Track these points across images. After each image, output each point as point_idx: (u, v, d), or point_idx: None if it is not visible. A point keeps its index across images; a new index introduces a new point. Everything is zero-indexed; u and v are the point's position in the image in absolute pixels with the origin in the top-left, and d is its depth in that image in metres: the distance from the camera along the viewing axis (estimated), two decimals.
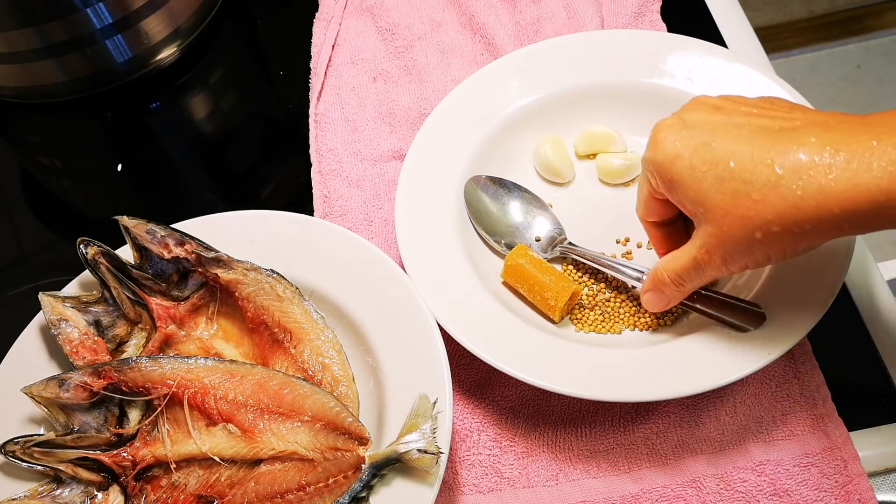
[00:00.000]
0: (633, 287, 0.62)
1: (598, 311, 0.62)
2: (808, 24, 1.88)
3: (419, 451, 0.52)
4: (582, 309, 0.63)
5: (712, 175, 0.47)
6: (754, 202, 0.46)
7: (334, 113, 0.78)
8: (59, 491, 0.56)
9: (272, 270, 0.61)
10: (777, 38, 1.86)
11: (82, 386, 0.57)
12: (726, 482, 0.57)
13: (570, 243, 0.64)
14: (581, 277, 0.64)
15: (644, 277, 0.59)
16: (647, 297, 0.57)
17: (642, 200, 0.55)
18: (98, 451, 0.57)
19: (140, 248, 0.61)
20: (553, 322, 0.62)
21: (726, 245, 0.49)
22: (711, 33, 0.79)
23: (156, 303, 0.62)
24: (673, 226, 0.57)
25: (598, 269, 0.65)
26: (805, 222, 0.45)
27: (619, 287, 0.63)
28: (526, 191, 0.67)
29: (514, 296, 0.63)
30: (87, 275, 0.63)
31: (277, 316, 0.60)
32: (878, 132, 0.43)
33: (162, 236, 0.61)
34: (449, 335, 0.58)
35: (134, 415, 0.58)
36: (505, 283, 0.64)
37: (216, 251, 0.61)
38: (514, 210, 0.66)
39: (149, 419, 0.57)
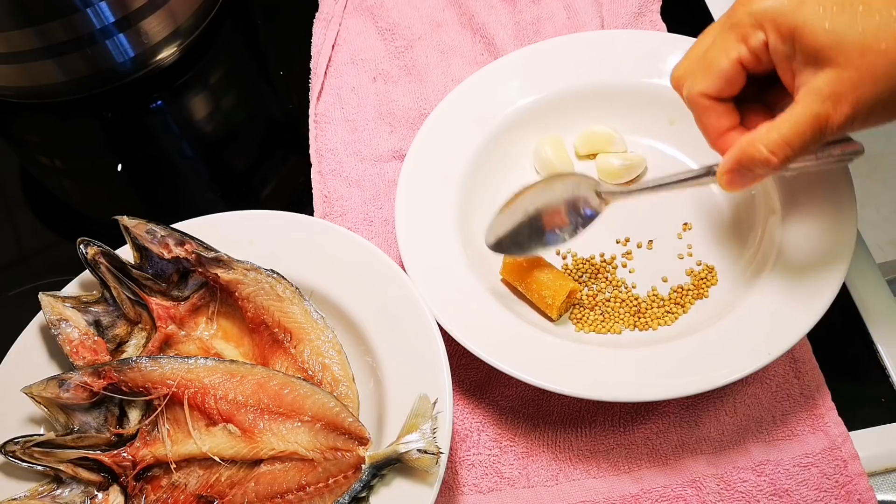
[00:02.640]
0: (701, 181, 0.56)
1: (599, 311, 0.62)
2: None
3: (419, 451, 0.52)
4: (582, 309, 0.63)
5: (848, 13, 0.44)
6: (893, 30, 0.43)
7: (334, 113, 0.78)
8: (59, 491, 0.56)
9: (272, 270, 0.61)
10: None
11: (82, 386, 0.57)
12: (726, 482, 0.57)
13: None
14: (581, 277, 0.64)
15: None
16: (729, 177, 0.50)
17: (721, 70, 0.49)
18: (98, 451, 0.57)
19: (140, 248, 0.61)
20: (551, 320, 0.62)
21: (862, 88, 0.45)
22: None
23: (156, 303, 0.62)
24: (727, 105, 0.51)
25: (600, 269, 0.65)
26: None
27: (619, 287, 0.64)
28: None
29: (513, 295, 0.63)
30: (87, 275, 0.63)
31: (277, 316, 0.60)
32: None
33: (162, 236, 0.61)
34: (449, 335, 0.58)
35: (134, 415, 0.58)
36: (504, 281, 0.64)
37: (216, 251, 0.61)
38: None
39: (149, 419, 0.57)
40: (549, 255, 0.64)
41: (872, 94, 0.45)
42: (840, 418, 0.58)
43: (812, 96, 0.46)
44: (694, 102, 0.51)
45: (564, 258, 0.66)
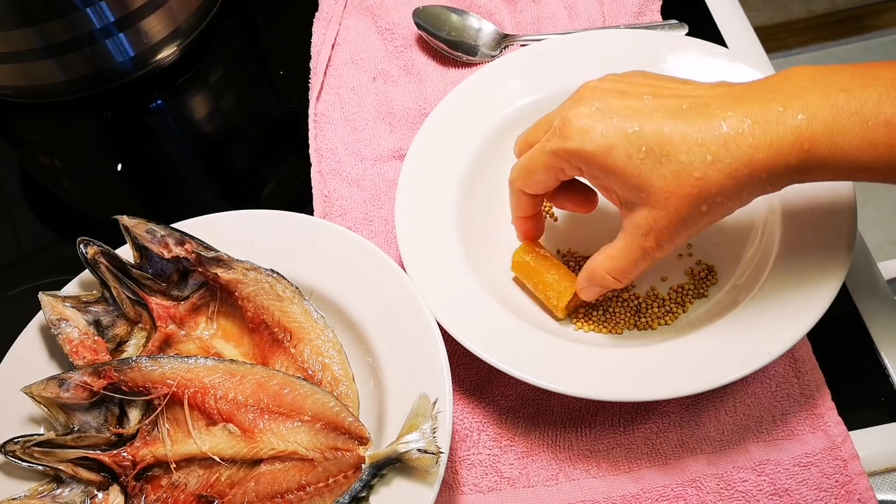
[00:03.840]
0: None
1: (601, 312, 0.62)
2: (808, 24, 1.88)
3: (419, 450, 0.52)
4: (585, 308, 0.63)
5: (650, 161, 0.49)
6: (696, 180, 0.48)
7: (334, 112, 0.78)
8: (59, 491, 0.56)
9: (272, 270, 0.61)
10: (777, 38, 1.86)
11: (82, 386, 0.57)
12: (726, 482, 0.57)
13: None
14: None
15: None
16: (587, 290, 0.58)
17: (539, 179, 0.55)
18: (98, 451, 0.57)
19: (140, 248, 0.61)
20: (557, 319, 0.62)
21: (672, 224, 0.50)
22: (711, 33, 0.79)
23: (156, 302, 0.62)
24: (537, 198, 0.59)
25: None
26: (742, 189, 0.48)
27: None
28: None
29: (513, 295, 0.63)
30: (86, 274, 0.63)
31: (277, 315, 0.60)
32: (783, 99, 0.47)
33: (162, 236, 0.61)
34: (449, 335, 0.58)
35: (134, 414, 0.58)
36: (515, 279, 0.64)
37: (216, 251, 0.61)
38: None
39: (149, 419, 0.57)
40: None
41: (684, 227, 0.51)
42: (840, 418, 0.58)
43: (633, 231, 0.52)
44: (512, 192, 0.59)
45: (565, 256, 0.66)
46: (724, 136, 0.47)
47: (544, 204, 0.68)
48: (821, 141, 0.46)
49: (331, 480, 0.54)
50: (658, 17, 0.80)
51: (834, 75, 0.48)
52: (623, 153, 0.49)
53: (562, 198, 0.61)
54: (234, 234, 0.64)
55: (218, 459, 0.55)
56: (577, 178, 0.59)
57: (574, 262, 0.65)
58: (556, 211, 0.68)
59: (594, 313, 0.62)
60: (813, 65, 0.49)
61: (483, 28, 0.80)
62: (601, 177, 0.52)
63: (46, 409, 0.57)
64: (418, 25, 0.80)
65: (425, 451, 0.52)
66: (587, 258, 0.65)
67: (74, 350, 0.59)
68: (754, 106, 0.47)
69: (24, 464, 0.56)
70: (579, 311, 0.63)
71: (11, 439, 0.56)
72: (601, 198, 0.68)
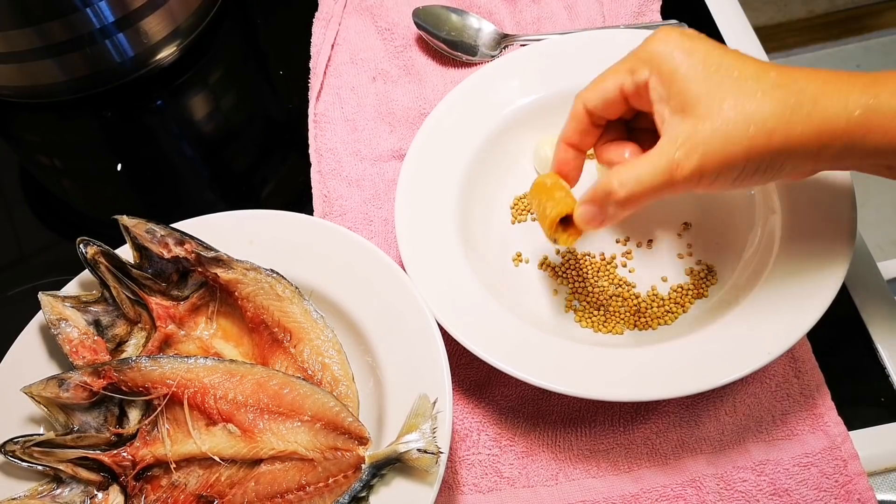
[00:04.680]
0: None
1: (601, 312, 0.62)
2: (807, 24, 1.88)
3: (419, 450, 0.52)
4: (587, 307, 0.63)
5: (722, 72, 0.48)
6: (758, 97, 0.47)
7: (334, 112, 0.78)
8: (59, 490, 0.56)
9: (272, 270, 0.61)
10: (777, 38, 1.86)
11: (82, 386, 0.57)
12: (726, 482, 0.57)
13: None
14: (582, 274, 0.64)
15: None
16: (583, 210, 0.53)
17: (604, 88, 0.53)
18: (98, 451, 0.57)
19: (140, 248, 0.61)
20: (548, 237, 0.57)
21: (713, 144, 0.47)
22: (711, 33, 0.79)
23: (155, 302, 0.62)
24: (595, 128, 0.55)
25: (601, 268, 0.65)
26: (797, 139, 0.47)
27: (620, 286, 0.64)
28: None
29: (513, 295, 0.63)
30: (86, 274, 0.63)
31: (277, 315, 0.60)
32: (887, 80, 0.46)
33: (162, 236, 0.61)
34: (449, 335, 0.58)
35: (134, 414, 0.58)
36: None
37: (216, 251, 0.61)
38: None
39: (149, 419, 0.57)
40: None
41: (722, 153, 0.47)
42: (840, 418, 0.58)
43: (669, 144, 0.48)
44: (574, 106, 0.55)
45: (564, 256, 0.66)
46: (793, 81, 0.47)
47: None
48: (879, 125, 0.46)
49: (331, 480, 0.54)
50: (658, 17, 0.80)
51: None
52: (700, 59, 0.49)
53: (606, 149, 0.56)
54: (233, 234, 0.64)
55: (218, 459, 0.55)
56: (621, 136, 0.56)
57: (574, 261, 0.65)
58: None
59: (594, 313, 0.63)
60: (832, 69, 0.49)
61: (483, 28, 0.80)
62: (666, 82, 0.49)
63: (46, 409, 0.57)
64: (418, 25, 0.80)
65: (425, 451, 0.52)
66: (585, 256, 0.65)
67: (74, 350, 0.59)
68: (825, 86, 0.47)
69: (23, 464, 0.56)
70: (583, 309, 0.63)
71: (11, 439, 0.56)
72: None
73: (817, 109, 0.47)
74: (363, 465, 0.53)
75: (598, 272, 0.64)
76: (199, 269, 0.62)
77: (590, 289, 0.64)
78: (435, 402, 0.54)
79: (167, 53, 0.82)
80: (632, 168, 0.50)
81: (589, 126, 0.55)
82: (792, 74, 0.48)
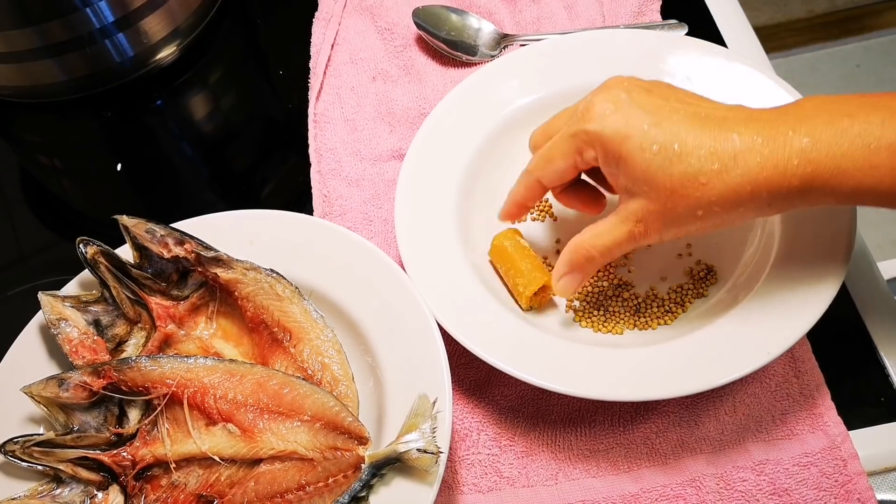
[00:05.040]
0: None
1: (601, 311, 0.62)
2: (807, 24, 1.88)
3: (419, 450, 0.52)
4: (587, 307, 0.63)
5: (661, 157, 0.50)
6: (701, 185, 0.50)
7: (334, 112, 0.78)
8: (58, 490, 0.56)
9: (272, 270, 0.61)
10: (777, 38, 1.86)
11: (82, 385, 0.57)
12: (726, 481, 0.57)
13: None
14: None
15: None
16: (566, 280, 0.58)
17: (556, 168, 0.56)
18: (98, 451, 0.57)
19: (140, 248, 0.61)
20: (523, 309, 0.62)
21: (666, 220, 0.52)
22: (711, 33, 0.79)
23: (155, 302, 0.62)
24: (543, 189, 0.59)
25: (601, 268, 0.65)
26: (741, 204, 0.50)
27: (621, 286, 0.64)
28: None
29: (512, 294, 0.63)
30: (86, 274, 0.63)
31: (277, 315, 0.60)
32: (793, 123, 0.49)
33: (161, 235, 0.61)
34: (449, 335, 0.58)
35: (134, 414, 0.58)
36: (490, 262, 0.64)
37: (216, 250, 0.61)
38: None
39: (148, 419, 0.57)
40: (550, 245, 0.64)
41: (675, 225, 0.52)
42: (839, 417, 0.58)
43: (626, 215, 0.53)
44: (526, 180, 0.59)
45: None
46: (735, 150, 0.49)
47: (545, 202, 0.68)
48: (823, 163, 0.47)
49: (330, 480, 0.54)
50: (658, 17, 0.80)
51: (841, 103, 0.49)
52: (637, 145, 0.51)
53: (573, 197, 0.61)
54: (233, 233, 0.64)
55: (218, 459, 0.55)
56: (586, 179, 0.61)
57: None
58: (557, 211, 0.68)
59: (594, 313, 0.63)
60: (823, 95, 0.51)
61: (483, 28, 0.80)
62: (612, 163, 0.53)
63: (46, 409, 0.57)
64: (418, 25, 0.80)
65: (425, 451, 0.52)
66: None
67: (74, 350, 0.59)
68: (766, 127, 0.49)
69: (23, 464, 0.56)
70: (583, 309, 0.63)
71: (11, 439, 0.56)
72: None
73: (745, 170, 0.49)
74: (363, 465, 0.53)
75: (597, 272, 0.64)
76: (199, 269, 0.62)
77: (590, 289, 0.64)
78: (435, 402, 0.54)
79: (167, 53, 0.82)
80: (598, 237, 0.55)
81: (542, 192, 0.60)
82: (728, 139, 0.49)
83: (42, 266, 0.75)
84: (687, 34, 0.77)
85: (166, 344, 0.62)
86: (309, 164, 0.74)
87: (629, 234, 0.54)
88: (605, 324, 0.62)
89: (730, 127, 0.50)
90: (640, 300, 0.63)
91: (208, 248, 0.61)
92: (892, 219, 1.57)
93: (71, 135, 0.83)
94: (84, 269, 0.62)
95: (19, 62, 0.76)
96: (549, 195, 0.69)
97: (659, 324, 0.61)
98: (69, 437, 0.57)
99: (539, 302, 0.62)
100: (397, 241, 0.63)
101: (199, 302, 0.63)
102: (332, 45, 0.82)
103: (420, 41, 0.81)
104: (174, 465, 0.56)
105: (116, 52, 0.78)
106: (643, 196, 0.52)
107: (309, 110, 0.78)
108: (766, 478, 0.56)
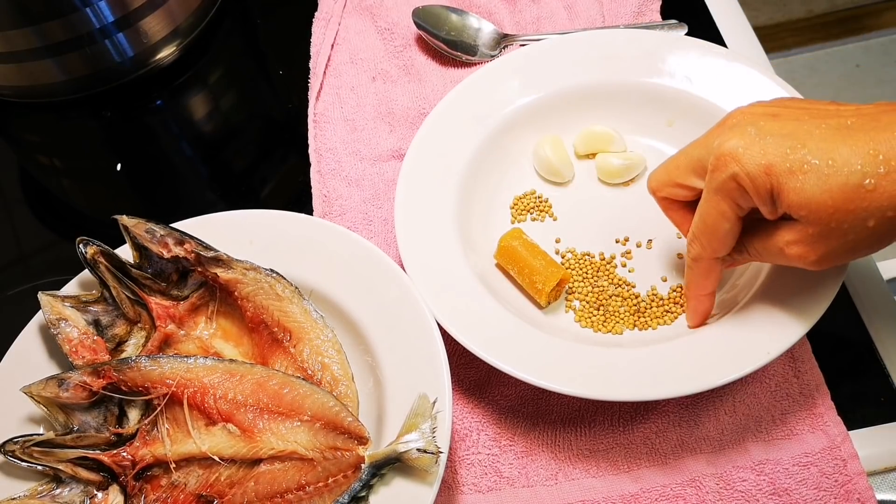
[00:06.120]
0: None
1: (601, 312, 0.62)
2: (807, 24, 1.88)
3: (419, 450, 0.52)
4: (587, 306, 0.63)
5: (815, 175, 0.47)
6: (867, 192, 0.46)
7: (333, 112, 0.78)
8: (58, 490, 0.56)
9: (271, 270, 0.61)
10: (776, 38, 1.86)
11: (82, 385, 0.57)
12: (726, 481, 0.57)
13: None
14: (582, 273, 0.64)
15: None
16: (702, 308, 0.58)
17: (724, 233, 0.52)
18: (97, 451, 0.57)
19: (139, 248, 0.61)
20: (540, 307, 0.62)
21: (830, 241, 0.49)
22: (711, 33, 0.79)
23: (155, 302, 0.62)
24: (721, 262, 0.56)
25: (600, 268, 0.65)
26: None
27: (620, 286, 0.64)
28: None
29: (513, 294, 0.63)
30: (86, 274, 0.63)
31: (277, 315, 0.60)
32: None
33: (161, 235, 0.61)
34: (448, 334, 0.58)
35: (133, 414, 0.58)
36: (497, 265, 0.64)
37: (215, 250, 0.61)
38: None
39: (148, 419, 0.57)
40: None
41: (840, 246, 0.49)
42: (839, 417, 0.58)
43: (787, 235, 0.50)
44: (698, 267, 0.56)
45: (564, 256, 0.66)
46: None
47: (545, 202, 0.68)
48: None
49: (330, 480, 0.54)
50: (657, 17, 0.80)
51: None
52: (784, 169, 0.48)
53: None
54: (233, 233, 0.64)
55: (217, 459, 0.55)
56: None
57: (574, 259, 0.65)
58: (556, 211, 0.68)
59: (594, 313, 0.63)
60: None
61: (482, 28, 0.80)
62: (766, 200, 0.50)
63: (46, 409, 0.57)
64: (418, 25, 0.80)
65: (425, 451, 0.52)
66: (585, 256, 0.65)
67: (74, 350, 0.59)
68: None
69: (23, 464, 0.56)
70: (583, 309, 0.63)
71: (11, 439, 0.56)
72: (599, 201, 0.69)
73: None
74: (363, 465, 0.53)
75: (597, 272, 0.64)
76: (199, 269, 0.61)
77: (589, 289, 0.64)
78: (435, 402, 0.54)
79: (167, 53, 0.82)
80: (763, 240, 0.52)
81: (720, 269, 0.56)
82: (887, 139, 0.46)
83: (42, 266, 0.75)
84: (687, 34, 0.77)
85: (166, 344, 0.62)
86: (309, 164, 0.74)
87: (780, 252, 0.51)
88: (605, 324, 0.62)
89: (884, 127, 0.47)
90: (640, 300, 0.63)
91: (208, 248, 0.61)
92: None
93: (70, 135, 0.83)
94: (84, 269, 0.62)
95: (19, 62, 0.76)
96: (549, 196, 0.69)
97: (659, 324, 0.61)
98: (69, 437, 0.57)
99: (555, 296, 0.63)
100: (397, 241, 0.63)
101: (199, 302, 0.63)
102: (332, 45, 0.82)
103: (420, 41, 0.81)
104: (174, 465, 0.56)
105: (116, 52, 0.78)
106: (803, 221, 0.49)
107: (309, 110, 0.78)
108: (765, 478, 0.56)
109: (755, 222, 0.53)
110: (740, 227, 0.53)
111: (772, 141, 0.48)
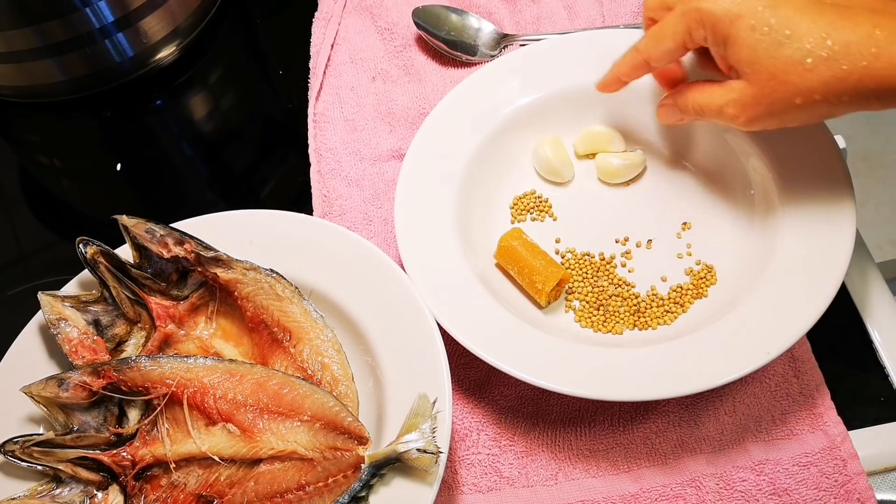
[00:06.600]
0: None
1: (601, 312, 0.62)
2: None
3: (418, 450, 0.52)
4: (587, 306, 0.63)
5: (770, 39, 0.50)
6: (805, 70, 0.49)
7: (333, 112, 0.78)
8: (58, 490, 0.56)
9: (271, 270, 0.61)
10: None
11: (81, 385, 0.57)
12: (726, 481, 0.57)
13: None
14: (582, 273, 0.64)
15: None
16: (666, 109, 0.60)
17: (666, 48, 0.56)
18: (97, 451, 0.57)
19: (139, 248, 0.61)
20: (540, 307, 0.62)
21: (762, 105, 0.52)
22: None
23: (155, 302, 0.62)
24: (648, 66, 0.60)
25: (600, 268, 0.65)
26: (843, 94, 0.49)
27: (620, 286, 0.64)
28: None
29: (513, 294, 0.63)
30: (86, 274, 0.63)
31: (277, 315, 0.60)
32: None
33: (161, 235, 0.61)
34: (448, 335, 0.58)
35: (133, 414, 0.58)
36: (497, 265, 0.64)
37: (215, 250, 0.61)
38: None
39: (148, 419, 0.57)
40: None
41: (769, 112, 0.52)
42: (839, 417, 0.58)
43: (728, 92, 0.54)
44: (632, 57, 0.60)
45: (564, 256, 0.66)
46: (850, 39, 0.48)
47: (545, 202, 0.68)
48: None
49: (330, 480, 0.54)
50: None
51: None
52: (747, 25, 0.51)
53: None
54: (233, 233, 0.64)
55: (217, 459, 0.55)
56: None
57: (574, 259, 0.65)
58: (556, 211, 0.68)
59: (594, 313, 0.63)
60: None
61: (482, 28, 0.80)
62: (720, 43, 0.53)
63: (46, 409, 0.57)
64: (418, 25, 0.80)
65: (425, 451, 0.52)
66: (585, 256, 0.65)
67: (74, 350, 0.59)
68: (891, 20, 0.48)
69: (23, 464, 0.56)
70: (583, 309, 0.63)
71: (11, 439, 0.56)
72: (599, 201, 0.69)
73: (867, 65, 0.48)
74: (363, 465, 0.53)
75: (597, 272, 0.64)
76: (199, 269, 0.61)
77: (589, 288, 0.64)
78: (435, 402, 0.54)
79: (167, 53, 0.82)
80: (700, 96, 0.56)
81: (646, 70, 0.60)
82: (845, 27, 0.48)
83: (42, 266, 0.75)
84: None
85: (166, 344, 0.62)
86: (309, 164, 0.74)
87: (720, 109, 0.54)
88: (605, 324, 0.62)
89: (850, 16, 0.49)
90: (639, 300, 0.63)
91: (208, 248, 0.61)
92: (892, 219, 1.58)
93: (70, 135, 0.83)
94: (84, 268, 0.62)
95: (19, 62, 0.76)
96: (549, 196, 0.69)
97: (659, 324, 0.62)
98: (69, 437, 0.57)
99: (554, 296, 0.63)
100: (397, 241, 0.63)
101: (199, 302, 0.63)
102: (332, 45, 0.82)
103: (420, 41, 0.81)
104: (174, 465, 0.56)
105: (116, 52, 0.78)
106: (745, 78, 0.52)
107: (309, 110, 0.78)
108: (765, 478, 0.56)
109: (704, 83, 0.56)
110: (683, 54, 0.57)
111: (748, 4, 0.51)
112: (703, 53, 0.58)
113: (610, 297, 0.63)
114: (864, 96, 0.49)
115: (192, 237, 0.61)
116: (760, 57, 0.50)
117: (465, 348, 0.58)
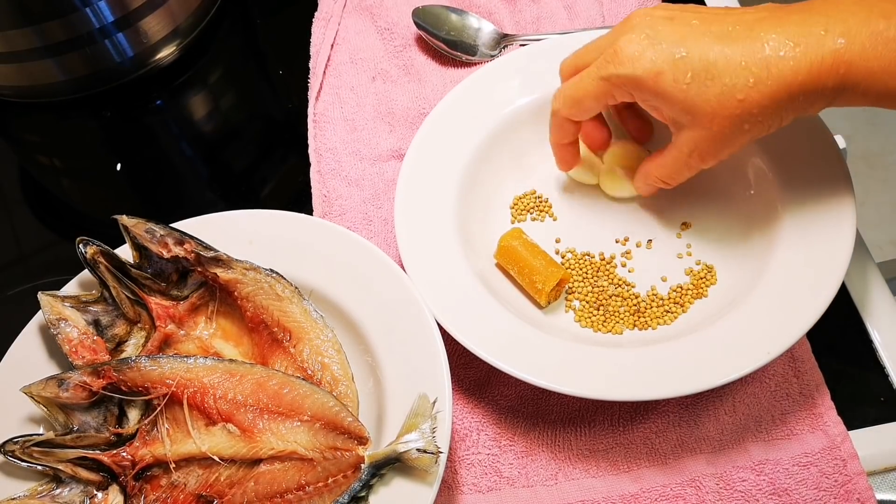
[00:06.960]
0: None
1: (601, 312, 0.62)
2: None
3: (418, 450, 0.52)
4: (587, 306, 0.63)
5: (696, 85, 0.51)
6: (739, 102, 0.51)
7: (333, 112, 0.78)
8: (58, 490, 0.56)
9: (271, 270, 0.61)
10: None
11: (81, 385, 0.57)
12: (725, 481, 0.57)
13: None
14: (582, 273, 0.64)
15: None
16: (642, 188, 0.63)
17: (587, 108, 0.58)
18: (97, 451, 0.57)
19: (139, 248, 0.61)
20: (540, 307, 0.62)
21: (717, 143, 0.53)
22: None
23: (155, 302, 0.62)
24: (577, 125, 0.62)
25: (600, 268, 0.65)
26: (781, 109, 0.51)
27: (620, 286, 0.64)
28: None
29: (513, 294, 0.63)
30: (86, 274, 0.63)
31: (277, 315, 0.60)
32: (824, 22, 0.49)
33: (161, 235, 0.61)
34: (448, 334, 0.58)
35: (133, 414, 0.58)
36: (497, 265, 0.64)
37: (215, 250, 0.61)
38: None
39: (148, 419, 0.57)
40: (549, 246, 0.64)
41: (726, 145, 0.54)
42: (839, 417, 0.58)
43: (680, 148, 0.55)
44: (556, 119, 0.61)
45: (564, 256, 0.66)
46: (766, 59, 0.50)
47: (545, 202, 0.68)
48: (857, 65, 0.48)
49: (330, 480, 0.54)
50: None
51: (879, 2, 0.49)
52: (671, 78, 0.52)
53: (623, 120, 0.65)
54: (233, 233, 0.64)
55: (217, 459, 0.55)
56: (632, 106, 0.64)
57: (574, 259, 0.65)
58: (556, 211, 0.68)
59: (594, 313, 0.63)
60: None
61: (482, 28, 0.80)
62: (650, 99, 0.54)
63: (46, 409, 0.57)
64: (418, 25, 0.80)
65: (424, 451, 0.52)
66: (585, 256, 0.65)
67: (74, 350, 0.59)
68: (797, 28, 0.50)
69: (23, 464, 0.56)
70: (583, 309, 0.63)
71: (11, 439, 0.56)
72: (599, 201, 0.69)
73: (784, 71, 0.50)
74: (363, 465, 0.53)
75: (597, 272, 0.64)
76: (199, 269, 0.62)
77: (589, 289, 0.64)
78: (434, 402, 0.54)
79: (167, 53, 0.82)
80: (662, 167, 0.58)
81: (577, 127, 0.62)
82: (758, 49, 0.50)
83: (42, 266, 0.75)
84: None
85: (166, 344, 0.62)
86: (309, 164, 0.74)
87: (686, 164, 0.56)
88: (605, 324, 0.62)
89: (758, 36, 0.50)
90: (639, 300, 0.63)
91: (208, 248, 0.61)
92: (892, 219, 1.58)
93: (70, 135, 0.83)
94: (84, 269, 0.62)
95: (19, 62, 0.76)
96: (549, 196, 0.69)
97: (659, 324, 0.61)
98: (69, 437, 0.57)
99: (554, 296, 0.63)
100: (397, 241, 0.63)
101: (199, 302, 0.63)
102: (332, 45, 0.82)
103: (420, 41, 0.81)
104: (174, 465, 0.56)
105: (116, 52, 0.78)
106: (689, 126, 0.53)
107: (309, 110, 0.78)
108: (765, 478, 0.56)
109: (656, 155, 0.59)
110: (601, 110, 0.59)
111: (664, 48, 0.52)
112: (623, 108, 0.61)
113: (610, 297, 0.63)
114: (798, 105, 0.51)
115: (192, 237, 0.61)
116: (695, 103, 0.52)
117: (465, 348, 0.58)
